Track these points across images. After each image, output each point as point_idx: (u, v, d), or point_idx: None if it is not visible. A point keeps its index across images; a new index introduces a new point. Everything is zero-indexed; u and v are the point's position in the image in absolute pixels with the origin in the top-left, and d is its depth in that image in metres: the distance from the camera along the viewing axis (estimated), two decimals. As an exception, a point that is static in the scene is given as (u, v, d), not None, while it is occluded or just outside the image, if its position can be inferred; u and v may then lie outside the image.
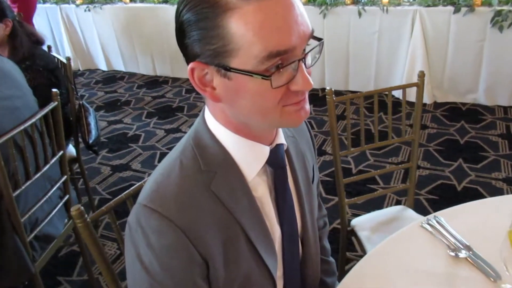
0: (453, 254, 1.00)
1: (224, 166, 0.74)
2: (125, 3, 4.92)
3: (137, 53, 5.12)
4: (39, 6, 5.18)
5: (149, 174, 0.79)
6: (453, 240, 1.05)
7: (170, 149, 3.17)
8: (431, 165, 2.90)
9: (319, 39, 0.68)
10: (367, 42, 3.89)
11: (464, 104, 3.79)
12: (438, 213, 1.17)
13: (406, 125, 1.74)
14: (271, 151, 0.78)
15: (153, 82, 4.91)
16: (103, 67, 5.46)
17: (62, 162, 1.74)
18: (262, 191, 0.79)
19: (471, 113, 3.63)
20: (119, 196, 1.01)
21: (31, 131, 1.53)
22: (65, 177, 1.75)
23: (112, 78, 5.19)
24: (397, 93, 3.85)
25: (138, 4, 4.86)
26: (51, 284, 2.08)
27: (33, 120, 1.51)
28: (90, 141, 2.17)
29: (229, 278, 0.75)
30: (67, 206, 1.81)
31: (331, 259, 1.13)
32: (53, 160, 1.64)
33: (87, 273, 2.02)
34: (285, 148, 0.83)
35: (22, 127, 1.45)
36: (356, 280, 0.96)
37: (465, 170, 2.81)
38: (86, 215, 0.92)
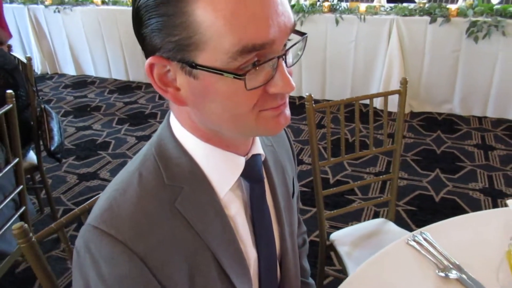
0: (442, 274, 0.92)
1: (192, 180, 0.64)
2: (97, 5, 4.75)
3: (109, 57, 4.95)
4: (6, 6, 4.96)
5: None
6: (442, 258, 0.98)
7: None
8: (409, 175, 2.86)
9: (302, 34, 0.59)
10: (344, 51, 3.86)
11: (440, 114, 3.80)
12: (424, 229, 1.09)
13: (382, 134, 1.68)
14: (247, 163, 0.68)
15: (126, 88, 4.74)
16: (72, 71, 5.25)
17: (18, 170, 1.59)
18: (236, 209, 0.68)
19: (447, 123, 3.63)
20: (73, 211, 0.89)
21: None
22: (21, 187, 1.60)
23: (82, 82, 4.99)
24: (374, 103, 3.83)
25: (110, 7, 4.70)
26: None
27: (-16, 124, 1.37)
28: (52, 148, 2.01)
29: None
30: (23, 218, 1.65)
31: (311, 280, 1.03)
32: (6, 169, 1.49)
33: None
34: (262, 159, 0.72)
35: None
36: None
37: (442, 180, 2.78)
38: (31, 234, 0.79)
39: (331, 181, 2.85)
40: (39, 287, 2.03)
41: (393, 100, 3.75)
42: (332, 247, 1.57)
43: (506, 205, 1.11)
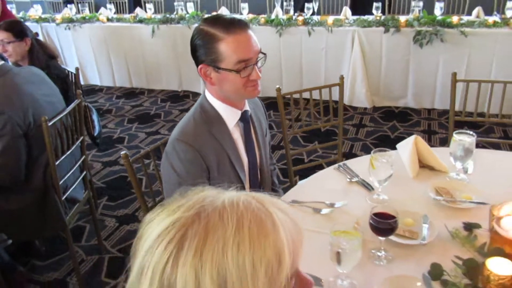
0: (349, 180, 1.67)
1: (217, 120, 1.38)
2: (103, 22, 5.46)
3: (114, 67, 5.65)
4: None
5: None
6: (352, 174, 1.72)
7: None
8: (366, 154, 3.62)
9: (264, 53, 1.34)
10: (316, 57, 4.62)
11: (397, 107, 4.58)
12: (344, 161, 1.83)
13: (333, 122, 2.43)
14: (242, 113, 1.43)
15: (130, 93, 5.45)
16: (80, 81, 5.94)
17: (82, 145, 2.31)
18: (237, 136, 1.44)
19: (402, 115, 4.42)
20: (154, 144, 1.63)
21: (65, 120, 2.10)
22: (84, 156, 2.32)
23: (91, 90, 5.69)
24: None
25: (115, 24, 5.43)
26: (65, 248, 2.59)
27: (66, 112, 2.09)
28: (95, 134, 2.73)
29: (218, 181, 1.38)
30: (84, 179, 2.37)
31: (279, 189, 1.79)
32: (77, 142, 2.21)
33: (97, 238, 2.57)
34: (249, 113, 1.47)
35: (60, 116, 2.02)
36: (293, 193, 1.61)
37: (392, 157, 3.55)
38: (129, 157, 1.53)
39: (306, 161, 3.60)
40: (86, 237, 2.72)
41: (359, 96, 4.53)
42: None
43: (396, 149, 1.86)
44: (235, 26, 1.25)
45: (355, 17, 4.60)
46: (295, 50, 4.66)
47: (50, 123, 1.92)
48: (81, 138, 2.28)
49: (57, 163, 2.01)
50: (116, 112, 4.87)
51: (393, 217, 1.22)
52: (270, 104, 4.24)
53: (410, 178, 1.69)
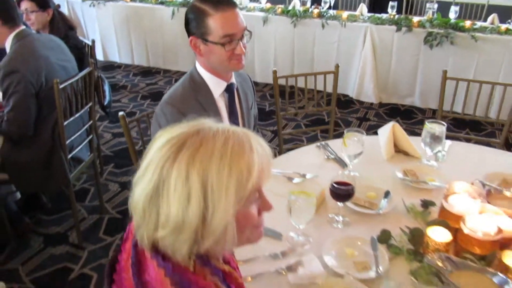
0: (326, 157, 1.80)
1: (204, 89, 1.53)
2: (126, 1, 5.66)
3: (133, 46, 5.85)
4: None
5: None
6: (330, 152, 1.85)
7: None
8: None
9: (249, 31, 1.48)
10: (328, 50, 4.72)
11: (403, 105, 4.66)
12: (328, 141, 1.96)
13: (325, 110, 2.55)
14: (228, 85, 1.57)
15: (147, 72, 5.65)
16: (100, 57, 6.17)
17: (90, 110, 2.49)
18: (221, 105, 1.58)
19: (407, 113, 4.50)
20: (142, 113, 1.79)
21: (76, 85, 2.28)
22: (91, 121, 2.50)
23: (110, 66, 5.91)
24: (350, 94, 4.71)
25: (138, 4, 5.61)
26: (69, 206, 2.79)
27: (78, 77, 2.27)
28: (105, 103, 2.91)
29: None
30: (91, 143, 2.55)
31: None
32: (86, 107, 2.40)
33: (99, 200, 2.77)
34: (235, 86, 1.62)
35: (71, 81, 2.20)
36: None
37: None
38: (126, 119, 1.69)
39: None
40: (90, 198, 2.91)
41: (367, 91, 4.61)
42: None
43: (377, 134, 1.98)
44: (223, 4, 1.40)
45: (369, 14, 4.68)
46: (308, 41, 4.77)
47: (61, 86, 2.10)
48: (90, 104, 2.46)
49: (65, 123, 2.19)
50: (131, 88, 5.07)
51: (350, 184, 1.35)
52: (281, 92, 4.38)
53: (384, 160, 1.82)
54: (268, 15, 4.77)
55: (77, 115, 2.31)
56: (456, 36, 4.14)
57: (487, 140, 2.76)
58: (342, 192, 1.34)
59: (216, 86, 1.55)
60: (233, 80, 1.60)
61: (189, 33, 1.47)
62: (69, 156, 2.29)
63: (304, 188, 1.59)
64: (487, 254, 1.18)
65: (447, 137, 1.85)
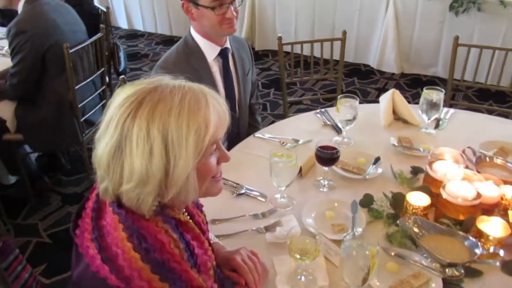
0: (323, 123, 1.81)
1: (197, 53, 1.56)
2: (149, -31, 5.66)
3: (156, 14, 5.88)
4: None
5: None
6: (328, 119, 1.86)
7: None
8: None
9: None
10: (349, 17, 4.61)
11: (425, 76, 4.53)
12: (327, 109, 1.96)
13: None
14: (222, 49, 1.59)
15: (169, 41, 5.69)
16: (124, 25, 6.25)
17: (103, 75, 2.57)
18: (215, 69, 1.61)
19: (429, 83, 4.36)
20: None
21: (86, 50, 2.35)
22: (104, 86, 2.59)
23: (133, 35, 5.98)
24: (372, 64, 4.61)
25: (160, -29, 5.61)
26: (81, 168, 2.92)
27: (88, 42, 2.33)
28: (120, 69, 2.98)
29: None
30: (104, 107, 2.64)
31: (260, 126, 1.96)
32: (98, 72, 2.47)
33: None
34: (230, 51, 1.63)
35: (81, 46, 2.27)
36: (270, 129, 1.77)
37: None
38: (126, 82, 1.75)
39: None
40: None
41: (389, 61, 4.48)
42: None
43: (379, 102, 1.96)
44: None
45: (394, -21, 4.50)
46: (329, 8, 4.66)
47: (71, 50, 2.18)
48: (102, 69, 2.53)
49: (77, 86, 2.27)
50: (153, 57, 5.14)
51: (335, 149, 1.36)
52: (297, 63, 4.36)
53: (381, 127, 1.81)
54: (289, -18, 4.68)
55: (88, 80, 2.39)
56: (483, 2, 3.94)
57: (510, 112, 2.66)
58: (326, 156, 1.36)
59: (210, 51, 1.57)
60: (228, 44, 1.62)
61: (182, -3, 1.50)
62: (82, 119, 2.39)
63: (296, 152, 1.61)
64: (464, 220, 1.19)
65: (468, 108, 1.81)
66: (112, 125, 0.77)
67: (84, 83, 2.35)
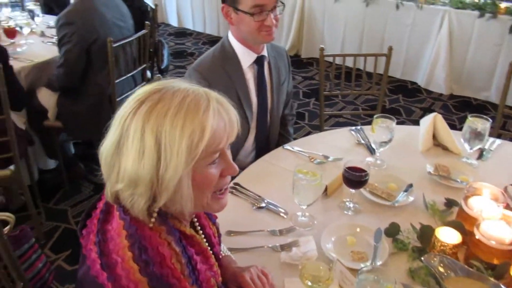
0: (357, 142, 1.74)
1: (233, 59, 1.53)
2: (204, -30, 5.74)
3: (206, 14, 5.96)
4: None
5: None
6: (362, 137, 1.77)
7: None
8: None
9: (282, 3, 1.45)
10: (400, 33, 4.46)
11: (476, 99, 4.31)
12: (363, 126, 1.88)
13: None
14: (258, 57, 1.56)
15: (216, 42, 5.57)
16: (174, 22, 6.37)
17: (144, 71, 2.60)
18: (249, 76, 1.58)
19: (479, 108, 4.15)
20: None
21: (130, 45, 2.39)
22: (144, 82, 2.62)
23: (182, 33, 6.09)
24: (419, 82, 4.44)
25: (214, -27, 5.67)
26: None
27: (132, 38, 2.37)
28: (162, 67, 3.03)
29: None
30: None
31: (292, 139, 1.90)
32: (139, 68, 2.51)
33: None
34: (267, 59, 1.60)
35: (125, 41, 2.31)
36: (301, 142, 1.72)
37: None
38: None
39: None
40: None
41: (438, 80, 4.27)
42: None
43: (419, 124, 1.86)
44: None
45: (452, -4, 4.32)
46: (380, 23, 4.54)
47: (114, 45, 2.22)
48: (144, 65, 2.57)
49: (117, 80, 2.31)
50: (198, 56, 5.18)
51: (364, 171, 1.29)
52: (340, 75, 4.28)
53: (418, 152, 1.71)
54: (341, -8, 4.59)
55: (129, 75, 2.43)
56: (548, 28, 3.71)
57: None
58: (353, 178, 1.29)
59: (246, 57, 1.54)
60: (265, 52, 1.58)
61: (223, 0, 1.47)
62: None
63: (324, 169, 1.55)
64: (497, 264, 1.09)
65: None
66: (116, 122, 0.77)
67: (124, 77, 2.38)
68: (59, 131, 2.55)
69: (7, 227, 1.04)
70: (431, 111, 4.04)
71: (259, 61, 1.57)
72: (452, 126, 3.70)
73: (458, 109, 4.12)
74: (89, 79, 2.33)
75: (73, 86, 2.33)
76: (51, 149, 2.64)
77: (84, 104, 2.35)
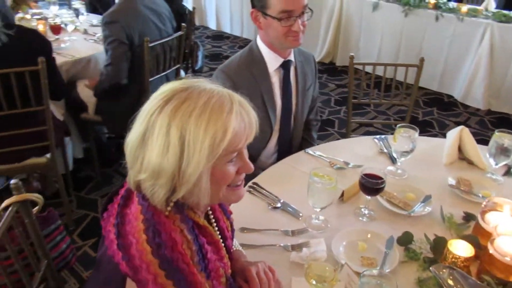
0: (380, 150, 1.74)
1: (259, 62, 1.58)
2: (245, -25, 5.83)
3: (244, 19, 6.05)
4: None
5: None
6: (387, 145, 1.77)
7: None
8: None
9: (310, 9, 1.48)
10: (439, 45, 4.37)
11: (515, 116, 4.17)
12: (387, 136, 1.87)
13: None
14: (284, 61, 1.59)
15: (252, 46, 5.80)
16: (212, 25, 6.50)
17: (177, 71, 2.69)
18: (275, 80, 1.62)
19: (518, 125, 4.02)
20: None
21: (165, 46, 2.48)
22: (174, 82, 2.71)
23: (220, 36, 6.20)
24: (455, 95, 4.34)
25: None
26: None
27: (168, 39, 2.46)
28: (196, 68, 3.11)
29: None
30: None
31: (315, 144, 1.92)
32: (173, 68, 2.60)
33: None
34: (293, 64, 1.63)
35: (161, 41, 2.40)
36: (322, 148, 1.74)
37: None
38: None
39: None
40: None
41: (475, 95, 4.14)
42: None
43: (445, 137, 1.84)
44: None
45: (495, 10, 4.20)
46: (418, 34, 4.47)
47: (151, 45, 2.31)
48: (178, 65, 2.65)
49: (150, 79, 2.41)
50: (233, 59, 5.28)
51: (381, 179, 1.30)
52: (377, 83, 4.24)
53: (442, 164, 1.69)
54: (380, 1, 4.54)
55: (162, 74, 2.52)
56: None
57: None
58: (369, 184, 1.30)
59: (272, 61, 1.58)
60: (291, 57, 1.62)
61: (252, 5, 1.52)
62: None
63: (343, 175, 1.57)
64: (509, 281, 1.07)
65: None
66: (142, 116, 0.81)
67: (157, 76, 2.47)
68: (96, 124, 2.67)
69: (36, 208, 1.12)
70: (466, 125, 3.94)
71: (285, 66, 1.60)
72: (487, 143, 3.64)
73: (495, 125, 3.99)
74: (132, 78, 2.43)
75: (122, 83, 2.41)
76: (85, 135, 2.76)
77: (125, 102, 2.45)
